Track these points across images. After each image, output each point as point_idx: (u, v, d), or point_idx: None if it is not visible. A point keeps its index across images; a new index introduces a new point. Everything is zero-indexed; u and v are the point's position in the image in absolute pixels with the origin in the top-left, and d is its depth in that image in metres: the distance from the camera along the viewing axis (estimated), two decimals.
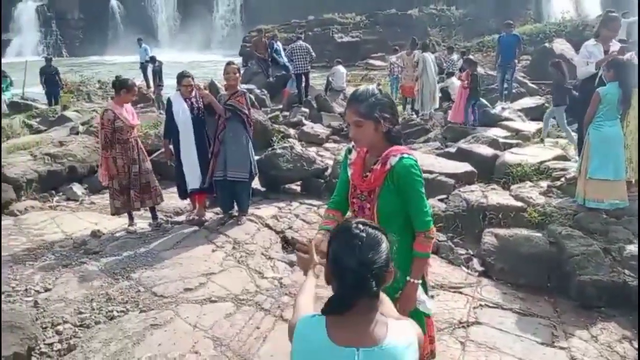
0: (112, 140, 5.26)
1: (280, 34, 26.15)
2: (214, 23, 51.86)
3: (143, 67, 17.03)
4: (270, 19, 38.89)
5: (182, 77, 5.63)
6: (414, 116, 11.38)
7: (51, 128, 9.86)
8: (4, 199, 6.12)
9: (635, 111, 5.16)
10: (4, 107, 13.57)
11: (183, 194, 5.83)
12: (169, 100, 5.80)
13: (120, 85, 5.37)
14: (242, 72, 6.10)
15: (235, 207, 5.69)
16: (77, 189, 6.94)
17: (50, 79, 14.70)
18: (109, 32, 49.81)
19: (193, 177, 5.61)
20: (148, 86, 16.10)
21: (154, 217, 5.78)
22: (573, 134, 7.17)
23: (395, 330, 1.45)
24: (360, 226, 1.48)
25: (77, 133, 8.39)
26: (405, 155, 2.23)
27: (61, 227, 5.63)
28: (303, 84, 13.07)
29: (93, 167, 7.31)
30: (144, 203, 5.58)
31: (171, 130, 5.63)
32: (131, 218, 5.66)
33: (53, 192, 6.90)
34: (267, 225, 5.55)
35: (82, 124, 9.03)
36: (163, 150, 6.23)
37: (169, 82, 14.09)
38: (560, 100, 8.01)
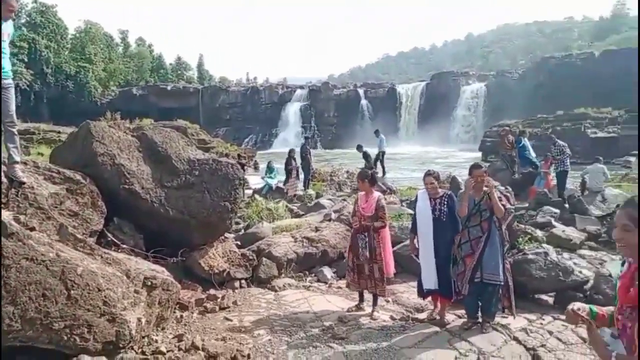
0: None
1: (525, 129, 25.23)
2: (453, 119, 53.22)
3: (378, 156, 19.01)
4: (513, 114, 38.09)
5: (425, 175, 5.63)
6: None
7: (308, 213, 11.09)
8: (269, 274, 7.02)
9: None
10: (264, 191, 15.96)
11: (421, 292, 5.78)
12: (416, 196, 5.95)
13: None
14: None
15: (480, 313, 5.36)
16: (327, 272, 7.49)
17: (304, 158, 16.92)
18: (357, 127, 55.50)
19: (429, 278, 5.51)
20: (384, 173, 18.06)
21: (374, 303, 5.94)
22: None
23: None
24: None
25: (330, 220, 9.22)
26: None
27: (312, 307, 6.07)
28: None
29: (342, 253, 7.87)
30: (361, 287, 5.92)
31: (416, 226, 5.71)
32: (361, 300, 6.05)
33: (307, 272, 7.60)
34: (516, 339, 5.05)
35: (335, 211, 9.92)
36: (408, 243, 6.36)
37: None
38: None
